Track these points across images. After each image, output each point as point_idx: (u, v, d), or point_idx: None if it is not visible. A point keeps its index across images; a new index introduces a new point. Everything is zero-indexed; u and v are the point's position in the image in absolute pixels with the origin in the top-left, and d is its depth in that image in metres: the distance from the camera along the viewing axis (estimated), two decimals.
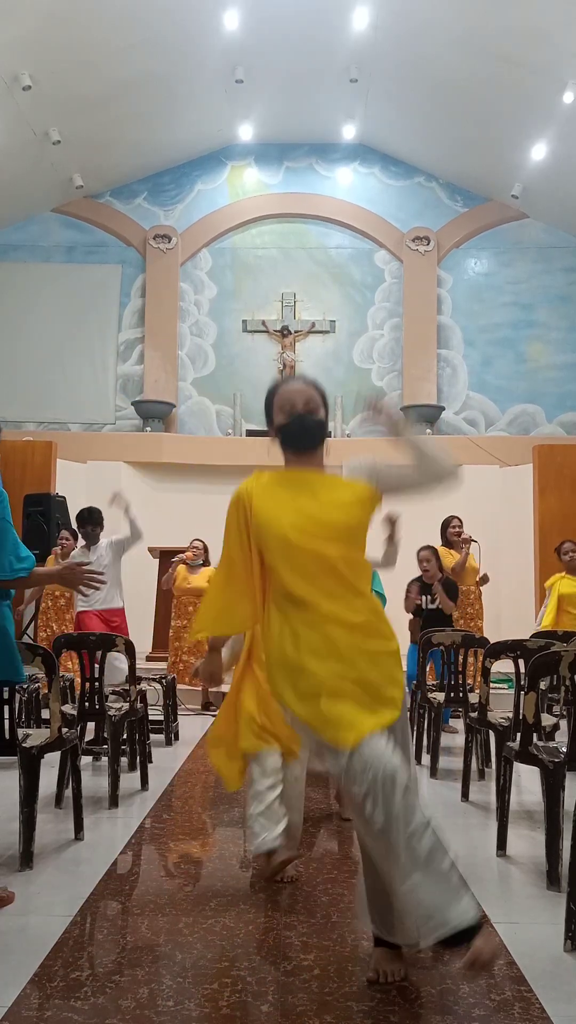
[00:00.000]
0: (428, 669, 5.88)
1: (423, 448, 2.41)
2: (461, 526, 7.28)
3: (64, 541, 7.56)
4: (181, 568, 7.46)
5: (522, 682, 3.83)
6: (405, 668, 6.55)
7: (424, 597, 6.59)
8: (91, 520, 6.34)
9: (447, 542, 7.32)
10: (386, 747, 2.15)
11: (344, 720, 2.18)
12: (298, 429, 2.43)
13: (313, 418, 2.44)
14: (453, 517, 7.37)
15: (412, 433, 2.46)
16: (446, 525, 7.35)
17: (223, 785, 3.38)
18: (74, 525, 7.08)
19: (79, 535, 6.67)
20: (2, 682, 3.21)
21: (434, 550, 6.69)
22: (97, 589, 3.43)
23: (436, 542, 7.51)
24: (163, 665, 7.63)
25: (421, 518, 9.43)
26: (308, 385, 2.49)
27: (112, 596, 6.26)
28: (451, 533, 7.28)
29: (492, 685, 4.38)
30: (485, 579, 7.33)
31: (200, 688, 7.42)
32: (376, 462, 2.47)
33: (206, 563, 7.47)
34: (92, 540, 6.35)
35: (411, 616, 6.66)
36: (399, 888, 2.10)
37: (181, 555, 7.52)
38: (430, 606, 6.56)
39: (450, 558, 7.15)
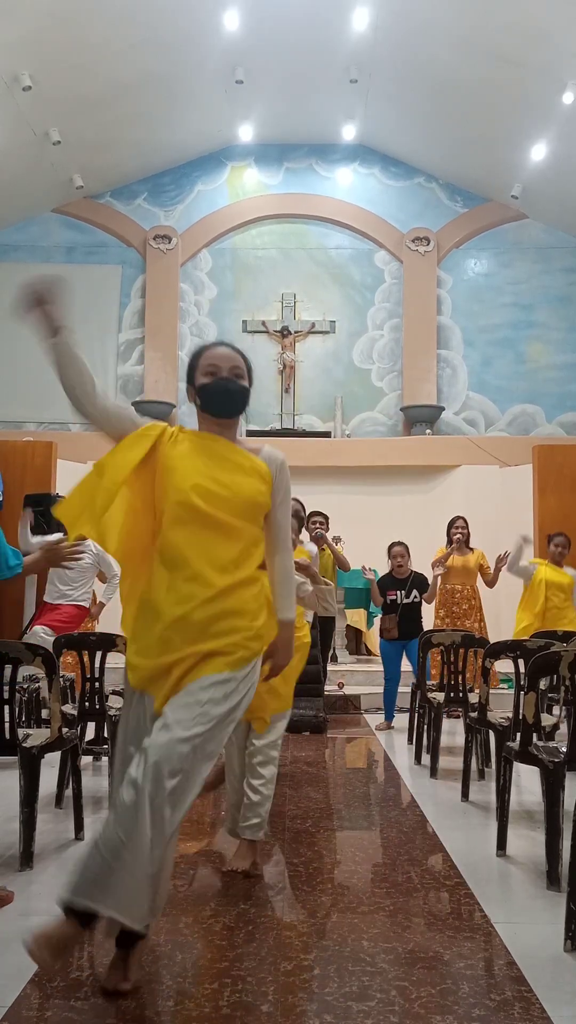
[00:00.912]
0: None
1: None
2: (464, 527, 7.31)
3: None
4: None
5: (522, 682, 3.83)
6: (383, 669, 6.67)
7: (399, 592, 6.66)
8: None
9: (451, 541, 7.34)
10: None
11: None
12: (221, 393, 2.41)
13: (237, 383, 2.43)
14: (458, 518, 7.41)
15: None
16: (451, 525, 7.38)
17: None
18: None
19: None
20: None
21: (406, 547, 6.80)
22: (79, 560, 3.53)
23: (440, 539, 7.54)
24: None
25: (419, 516, 9.45)
26: (235, 352, 2.49)
27: (76, 593, 6.27)
28: (452, 533, 7.32)
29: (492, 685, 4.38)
30: (500, 563, 7.17)
31: None
32: (286, 479, 2.49)
33: None
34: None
35: (383, 613, 6.72)
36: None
37: None
38: (405, 600, 6.63)
39: (451, 558, 7.18)
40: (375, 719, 7.00)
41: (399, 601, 6.64)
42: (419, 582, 6.72)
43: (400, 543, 6.80)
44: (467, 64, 9.64)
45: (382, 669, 6.80)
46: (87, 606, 6.39)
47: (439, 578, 6.94)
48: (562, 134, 10.07)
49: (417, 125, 11.46)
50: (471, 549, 7.37)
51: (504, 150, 10.88)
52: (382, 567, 6.92)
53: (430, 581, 6.83)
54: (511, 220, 12.18)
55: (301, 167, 12.43)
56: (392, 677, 6.68)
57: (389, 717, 6.76)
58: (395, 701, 6.75)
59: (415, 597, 6.65)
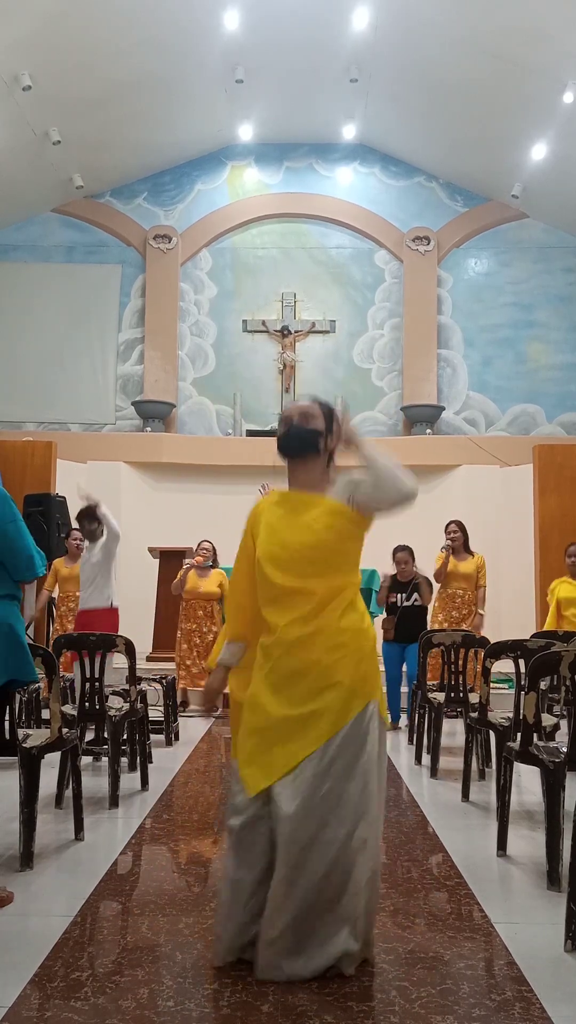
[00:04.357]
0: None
1: (379, 467, 2.44)
2: (456, 532, 7.21)
3: (77, 542, 7.38)
4: (191, 572, 7.41)
5: (522, 682, 3.83)
6: (382, 668, 6.65)
7: (399, 595, 6.71)
8: (87, 514, 6.16)
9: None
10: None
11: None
12: (284, 437, 2.58)
13: (303, 428, 2.56)
14: (452, 522, 7.33)
15: (369, 449, 2.47)
16: (444, 530, 7.35)
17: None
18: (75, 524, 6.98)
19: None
20: (14, 682, 3.18)
21: (410, 551, 6.83)
22: None
23: (439, 540, 7.51)
24: (163, 666, 7.63)
25: (419, 516, 9.46)
26: (312, 402, 2.63)
27: (96, 596, 6.08)
28: (445, 538, 7.27)
29: (492, 685, 4.38)
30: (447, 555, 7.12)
31: (179, 687, 7.40)
32: (356, 478, 2.53)
33: (214, 564, 7.48)
34: (92, 538, 6.16)
35: (384, 615, 6.77)
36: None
37: (190, 560, 7.46)
38: (405, 603, 6.70)
39: (450, 563, 7.14)
40: None
41: (399, 604, 6.72)
42: (420, 586, 6.76)
43: (404, 548, 6.83)
44: (467, 64, 9.64)
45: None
46: (109, 606, 6.18)
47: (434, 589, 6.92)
48: (562, 134, 10.07)
49: (417, 125, 11.45)
50: (471, 554, 7.24)
51: (504, 150, 10.88)
52: (382, 567, 6.94)
53: (428, 584, 6.84)
54: (511, 220, 12.18)
55: (301, 166, 12.43)
56: (391, 679, 6.69)
57: (395, 719, 6.76)
58: (398, 702, 6.76)
59: (415, 600, 6.72)
